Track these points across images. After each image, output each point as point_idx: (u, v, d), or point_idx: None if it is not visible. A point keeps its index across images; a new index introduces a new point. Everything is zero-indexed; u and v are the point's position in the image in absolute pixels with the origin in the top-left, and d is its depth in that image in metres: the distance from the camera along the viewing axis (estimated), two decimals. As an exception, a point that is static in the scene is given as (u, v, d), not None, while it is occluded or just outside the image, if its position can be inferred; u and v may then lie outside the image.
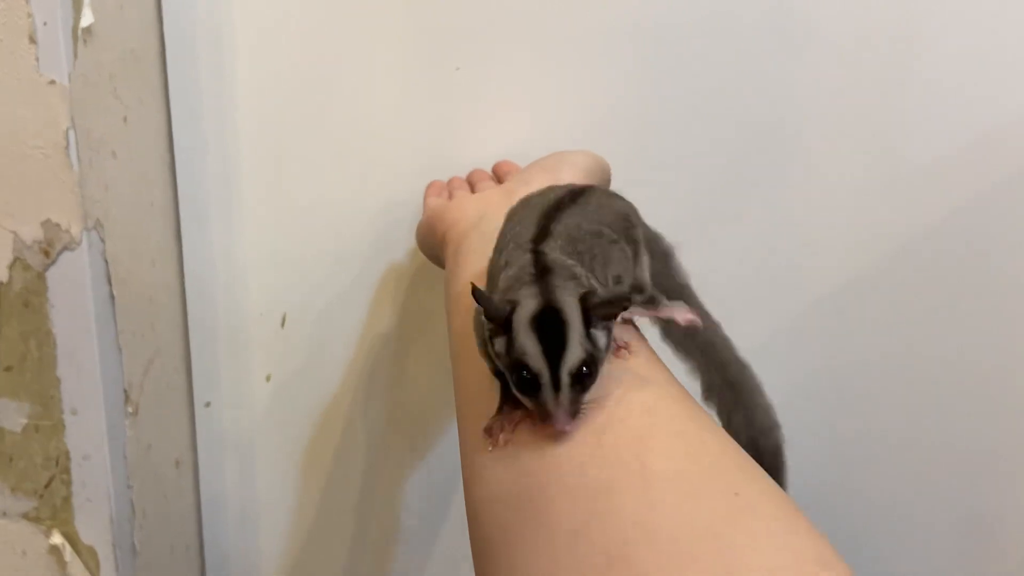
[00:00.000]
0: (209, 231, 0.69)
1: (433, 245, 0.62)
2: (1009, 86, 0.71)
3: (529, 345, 0.37)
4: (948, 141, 0.72)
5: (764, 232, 0.75)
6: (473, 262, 0.52)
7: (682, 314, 0.48)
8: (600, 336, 0.38)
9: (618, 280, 0.45)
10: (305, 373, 0.75)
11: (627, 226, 0.50)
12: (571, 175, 0.59)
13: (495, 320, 0.38)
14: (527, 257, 0.41)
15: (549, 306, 0.37)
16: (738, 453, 0.37)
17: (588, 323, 0.37)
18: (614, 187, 0.63)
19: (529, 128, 0.71)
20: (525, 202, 0.50)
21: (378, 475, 0.80)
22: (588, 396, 0.37)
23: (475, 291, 0.38)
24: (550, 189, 0.51)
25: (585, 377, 0.37)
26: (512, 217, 0.48)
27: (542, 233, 0.43)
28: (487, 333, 0.39)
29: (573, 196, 0.48)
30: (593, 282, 0.41)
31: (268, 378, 0.75)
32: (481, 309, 0.38)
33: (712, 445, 0.37)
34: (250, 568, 0.80)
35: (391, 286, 0.74)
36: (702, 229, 0.74)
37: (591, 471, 0.35)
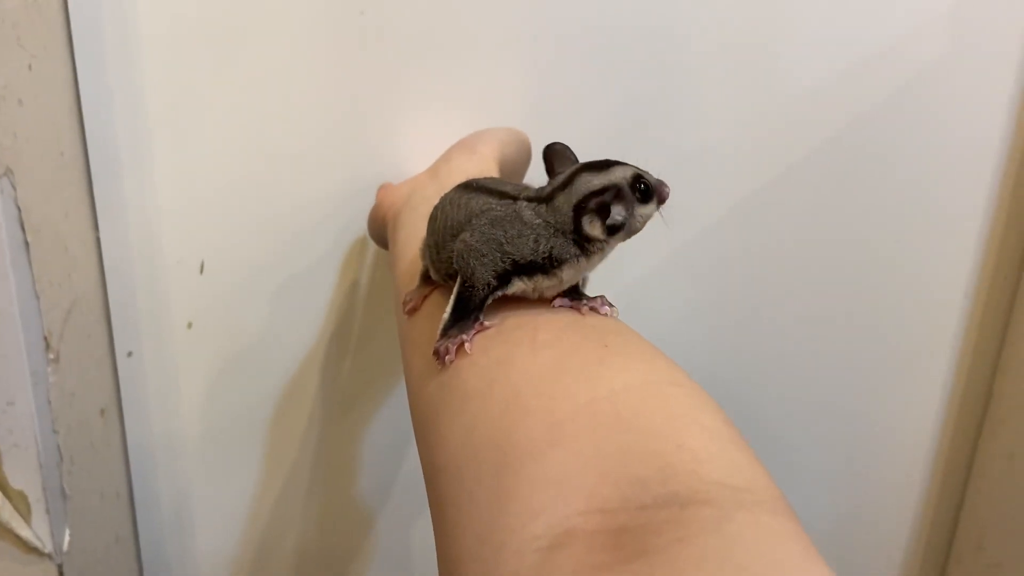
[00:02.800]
0: (121, 179, 0.70)
1: (378, 231, 0.69)
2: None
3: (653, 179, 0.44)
4: (823, 70, 0.79)
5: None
6: (405, 237, 0.58)
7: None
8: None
9: None
10: (226, 319, 0.77)
11: None
12: (488, 149, 0.64)
13: (619, 191, 0.42)
14: (520, 203, 0.45)
15: (604, 189, 0.43)
16: (616, 322, 0.43)
17: (642, 190, 0.43)
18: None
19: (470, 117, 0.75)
20: (449, 200, 0.50)
21: (306, 414, 0.83)
22: None
23: (588, 196, 0.42)
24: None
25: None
26: (443, 213, 0.49)
27: (505, 195, 0.46)
28: (598, 224, 0.42)
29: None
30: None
31: (189, 325, 0.76)
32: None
33: (590, 318, 0.43)
34: (180, 512, 0.82)
35: (309, 228, 0.76)
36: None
37: (492, 351, 0.40)
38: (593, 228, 0.42)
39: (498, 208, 0.44)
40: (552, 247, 0.42)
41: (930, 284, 0.91)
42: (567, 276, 0.43)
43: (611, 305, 0.44)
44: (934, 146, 0.86)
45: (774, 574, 0.26)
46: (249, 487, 0.83)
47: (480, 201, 0.46)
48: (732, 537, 0.28)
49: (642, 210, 0.43)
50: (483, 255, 0.43)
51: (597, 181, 0.43)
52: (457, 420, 0.38)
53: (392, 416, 0.86)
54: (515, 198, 0.45)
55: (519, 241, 0.43)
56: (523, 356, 0.39)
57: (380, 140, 0.75)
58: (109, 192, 0.70)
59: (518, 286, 0.43)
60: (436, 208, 0.49)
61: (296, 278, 0.77)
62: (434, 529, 0.38)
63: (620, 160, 0.44)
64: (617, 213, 0.42)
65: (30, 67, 0.60)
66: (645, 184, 0.43)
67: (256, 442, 0.82)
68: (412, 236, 0.56)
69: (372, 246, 0.78)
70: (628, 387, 0.35)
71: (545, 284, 0.43)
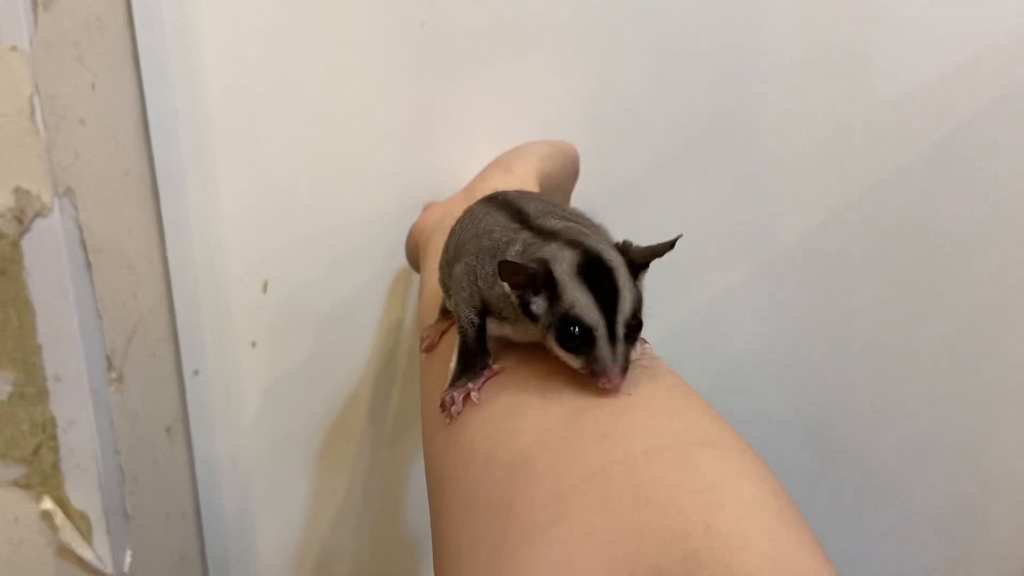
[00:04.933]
0: (186, 198, 0.69)
1: (414, 255, 0.67)
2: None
3: (580, 297, 0.34)
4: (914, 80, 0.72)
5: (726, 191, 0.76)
6: (431, 262, 0.54)
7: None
8: (640, 290, 0.36)
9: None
10: (289, 338, 0.76)
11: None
12: (524, 166, 0.61)
13: (534, 278, 0.34)
14: (525, 233, 0.38)
15: (592, 255, 0.34)
16: (648, 365, 0.37)
17: (635, 271, 0.35)
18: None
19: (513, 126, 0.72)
20: (471, 212, 0.46)
21: (372, 434, 0.81)
22: (635, 354, 0.35)
23: (502, 263, 0.34)
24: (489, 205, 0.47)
25: (637, 328, 0.34)
26: (461, 228, 0.45)
27: (522, 217, 0.40)
28: (515, 299, 0.36)
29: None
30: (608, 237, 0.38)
31: (254, 344, 0.76)
32: (493, 275, 0.36)
33: None
34: (247, 533, 0.82)
35: (371, 249, 0.75)
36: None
37: (501, 398, 0.36)
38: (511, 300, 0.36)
39: (498, 233, 0.39)
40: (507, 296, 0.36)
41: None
42: (523, 334, 0.37)
43: (644, 341, 0.37)
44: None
45: None
46: (307, 504, 0.82)
47: (491, 220, 0.40)
48: None
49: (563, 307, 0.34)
50: (463, 288, 0.39)
51: (537, 252, 0.35)
52: (460, 482, 0.34)
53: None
54: (525, 223, 0.39)
55: (491, 279, 0.37)
56: (533, 409, 0.34)
57: (437, 157, 0.73)
58: (175, 210, 0.69)
59: (493, 328, 0.38)
60: (457, 222, 0.44)
61: (354, 298, 0.76)
62: None
63: (609, 242, 0.37)
64: (535, 303, 0.35)
65: (93, 87, 0.60)
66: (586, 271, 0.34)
67: (314, 461, 0.81)
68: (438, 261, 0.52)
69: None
70: (649, 451, 0.30)
71: (519, 332, 0.37)
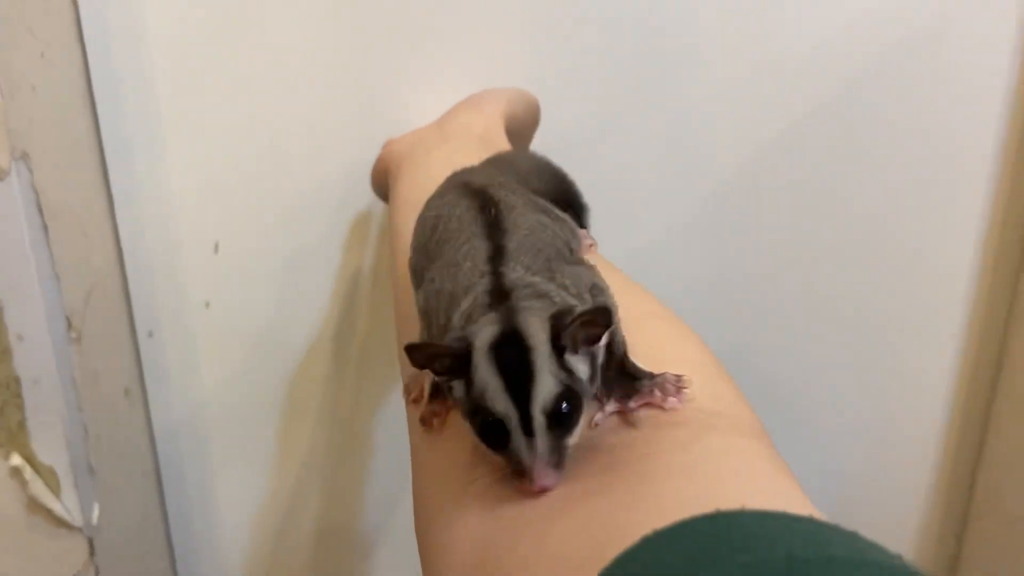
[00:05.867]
0: (134, 163, 0.72)
1: (380, 183, 0.69)
2: None
3: (490, 382, 0.30)
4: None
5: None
6: (405, 191, 0.57)
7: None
8: (581, 364, 0.31)
9: (597, 292, 0.37)
10: (244, 297, 0.79)
11: (564, 187, 0.51)
12: (493, 106, 0.64)
13: (453, 359, 0.31)
14: (484, 281, 0.35)
15: (510, 330, 0.31)
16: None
17: (562, 348, 0.31)
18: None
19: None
20: (449, 184, 0.44)
21: (334, 388, 0.84)
22: (573, 440, 0.31)
23: (408, 347, 0.31)
24: (466, 173, 0.46)
25: (566, 416, 0.30)
26: (436, 217, 0.42)
27: (498, 252, 0.36)
28: (446, 386, 0.33)
29: (499, 183, 0.43)
30: (569, 299, 0.34)
31: (207, 305, 0.78)
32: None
33: None
34: (208, 492, 0.84)
35: (323, 204, 0.77)
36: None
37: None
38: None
39: (463, 275, 0.36)
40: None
41: (944, 233, 0.89)
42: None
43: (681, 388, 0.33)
44: (938, 105, 0.85)
45: (738, 484, 0.27)
46: (269, 462, 0.85)
47: (465, 248, 0.37)
48: (700, 454, 0.28)
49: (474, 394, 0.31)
50: (422, 317, 0.38)
51: (475, 321, 0.33)
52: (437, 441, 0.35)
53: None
54: (496, 262, 0.36)
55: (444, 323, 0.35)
56: None
57: (387, 108, 0.75)
58: (123, 176, 0.72)
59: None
60: (434, 199, 0.42)
61: (309, 253, 0.78)
62: None
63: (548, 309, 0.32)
64: (456, 388, 0.32)
65: (42, 55, 0.62)
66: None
67: (275, 418, 0.84)
68: (412, 190, 0.55)
69: (379, 220, 0.79)
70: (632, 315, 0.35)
71: None
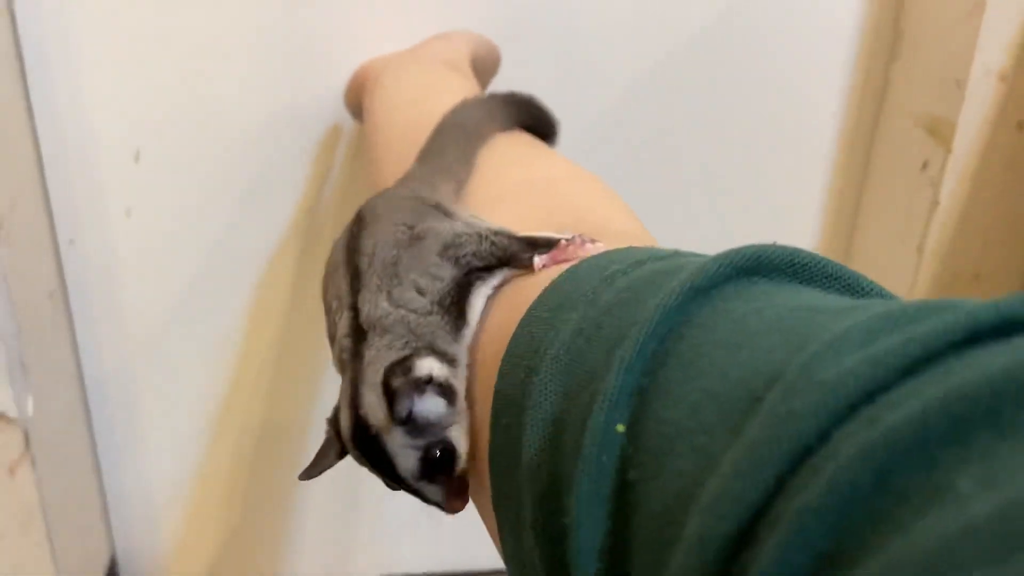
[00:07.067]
0: (51, 70, 0.74)
1: (355, 100, 0.72)
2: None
3: (366, 467, 0.33)
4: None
5: None
6: (375, 118, 0.60)
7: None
8: (431, 403, 0.32)
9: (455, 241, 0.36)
10: (164, 207, 0.82)
11: (528, 112, 0.52)
12: (463, 43, 0.68)
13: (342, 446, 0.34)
14: (345, 320, 0.35)
15: (357, 418, 0.32)
16: None
17: (406, 414, 0.31)
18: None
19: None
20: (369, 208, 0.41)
21: (250, 296, 0.88)
22: (461, 462, 0.33)
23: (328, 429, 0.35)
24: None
25: (440, 462, 0.32)
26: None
27: (354, 277, 0.36)
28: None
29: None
30: (416, 306, 0.34)
31: (128, 213, 0.82)
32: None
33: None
34: (128, 391, 0.88)
35: (242, 114, 0.79)
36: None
37: None
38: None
39: (332, 305, 0.37)
40: None
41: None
42: None
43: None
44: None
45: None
46: (192, 369, 0.89)
47: (336, 276, 0.37)
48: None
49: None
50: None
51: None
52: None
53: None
54: (352, 296, 0.35)
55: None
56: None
57: (326, 15, 0.77)
58: (42, 84, 0.74)
59: None
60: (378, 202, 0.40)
61: (231, 165, 0.81)
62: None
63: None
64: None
65: (-38, -40, 0.64)
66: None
67: (197, 325, 0.88)
68: (391, 106, 0.59)
69: (303, 129, 0.81)
70: (554, 176, 0.44)
71: None
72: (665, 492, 0.21)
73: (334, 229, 0.85)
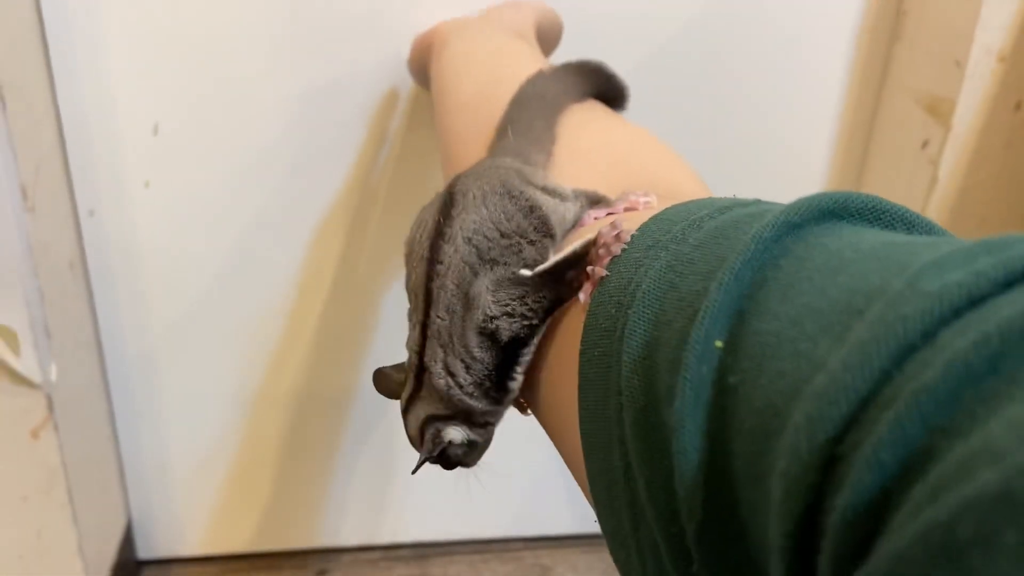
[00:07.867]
0: (74, 43, 0.75)
1: (422, 63, 0.70)
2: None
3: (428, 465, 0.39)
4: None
5: None
6: (443, 82, 0.59)
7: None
8: (451, 452, 0.38)
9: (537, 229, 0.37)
10: (183, 179, 0.84)
11: (597, 81, 0.52)
12: (530, 11, 0.69)
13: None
14: (415, 334, 0.37)
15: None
16: None
17: (425, 460, 0.38)
18: None
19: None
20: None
21: (268, 268, 0.90)
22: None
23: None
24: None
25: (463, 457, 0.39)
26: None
27: (428, 292, 0.37)
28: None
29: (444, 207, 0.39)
30: (462, 400, 0.36)
31: (147, 185, 0.83)
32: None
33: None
34: (146, 360, 0.91)
35: (263, 88, 0.81)
36: None
37: None
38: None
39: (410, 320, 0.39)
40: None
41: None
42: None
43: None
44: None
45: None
46: (209, 339, 0.91)
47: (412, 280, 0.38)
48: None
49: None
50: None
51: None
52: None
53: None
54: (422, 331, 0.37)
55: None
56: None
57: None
58: (64, 53, 0.76)
59: None
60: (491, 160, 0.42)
61: (249, 138, 0.83)
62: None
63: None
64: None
65: (-10, -68, 0.65)
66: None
67: (215, 295, 0.90)
68: (462, 71, 0.57)
69: (320, 103, 0.83)
70: (629, 142, 0.47)
71: None
72: (768, 390, 0.22)
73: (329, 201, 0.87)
